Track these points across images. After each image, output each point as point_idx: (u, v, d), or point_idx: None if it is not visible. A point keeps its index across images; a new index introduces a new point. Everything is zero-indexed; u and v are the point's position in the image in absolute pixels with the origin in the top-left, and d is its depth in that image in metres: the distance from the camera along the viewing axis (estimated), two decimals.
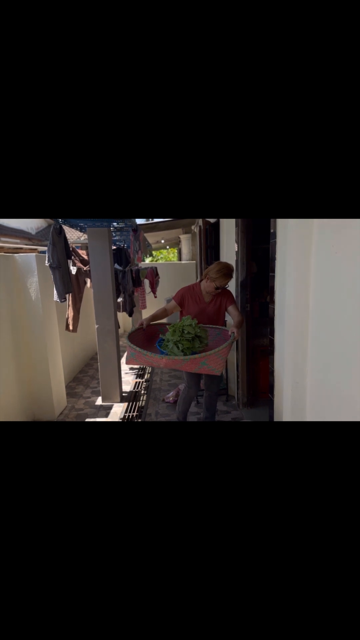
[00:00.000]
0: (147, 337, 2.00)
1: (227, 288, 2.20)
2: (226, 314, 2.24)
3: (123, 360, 4.12)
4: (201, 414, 2.83)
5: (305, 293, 1.40)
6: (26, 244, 9.39)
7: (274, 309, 1.85)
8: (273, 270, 1.82)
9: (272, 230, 1.80)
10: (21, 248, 4.51)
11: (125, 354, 1.64)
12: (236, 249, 2.79)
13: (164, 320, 2.21)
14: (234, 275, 2.86)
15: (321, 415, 1.37)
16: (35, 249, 4.67)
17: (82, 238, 7.59)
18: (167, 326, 2.04)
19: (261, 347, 2.94)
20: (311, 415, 1.46)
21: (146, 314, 5.18)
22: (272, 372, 1.92)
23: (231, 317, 2.11)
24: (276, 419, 1.87)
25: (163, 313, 2.13)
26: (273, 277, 1.82)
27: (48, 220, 11.71)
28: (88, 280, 3.26)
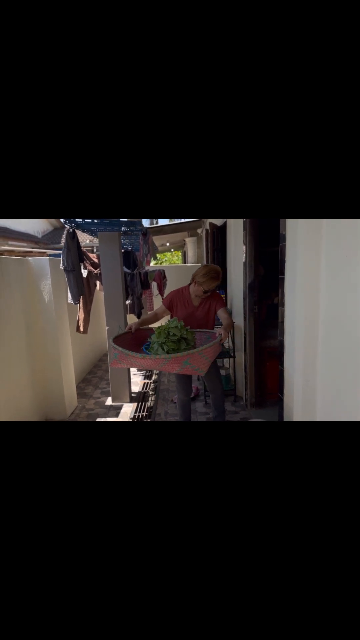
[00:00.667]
0: (136, 341, 1.94)
1: (217, 291, 2.20)
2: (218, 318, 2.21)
3: None
4: (210, 413, 2.87)
5: (315, 294, 1.44)
6: (32, 247, 9.52)
7: (284, 310, 1.89)
8: (283, 273, 1.87)
9: (282, 233, 1.84)
10: (31, 252, 4.59)
11: (109, 356, 1.57)
12: (244, 252, 2.84)
13: (154, 325, 2.15)
14: (242, 278, 2.91)
15: (331, 415, 1.41)
16: (44, 253, 4.76)
17: (88, 241, 7.67)
18: (154, 329, 1.98)
19: (269, 349, 2.98)
20: (321, 415, 1.50)
21: None
22: (281, 372, 1.96)
23: (221, 320, 2.05)
24: (286, 418, 1.91)
25: (153, 317, 2.10)
26: (283, 279, 1.87)
27: (54, 223, 11.85)
28: (98, 283, 3.33)
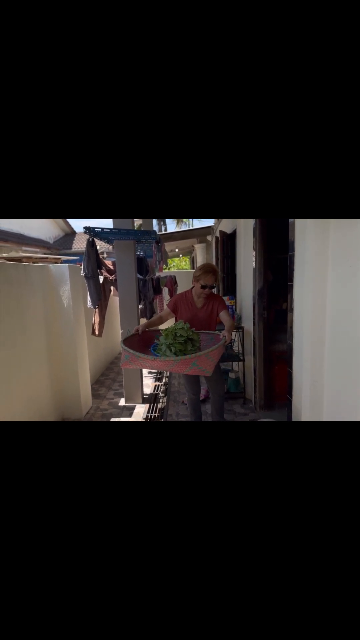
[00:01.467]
0: (143, 342, 2.04)
1: (216, 292, 2.30)
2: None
3: None
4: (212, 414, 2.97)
5: (322, 300, 1.55)
6: (45, 253, 9.78)
7: (292, 316, 2.00)
8: (292, 280, 1.98)
9: (291, 240, 1.95)
10: (47, 257, 4.77)
11: (121, 357, 1.74)
12: (254, 259, 2.95)
13: (161, 327, 2.24)
14: (252, 284, 3.02)
15: (337, 415, 1.50)
16: (59, 258, 4.93)
17: (98, 246, 7.88)
18: (161, 331, 2.05)
19: (277, 353, 3.07)
20: (328, 414, 1.60)
21: None
22: (290, 375, 2.06)
23: (223, 322, 2.12)
24: (294, 418, 2.00)
25: (158, 320, 2.21)
26: (292, 286, 1.98)
27: (65, 229, 12.14)
28: (112, 288, 3.47)
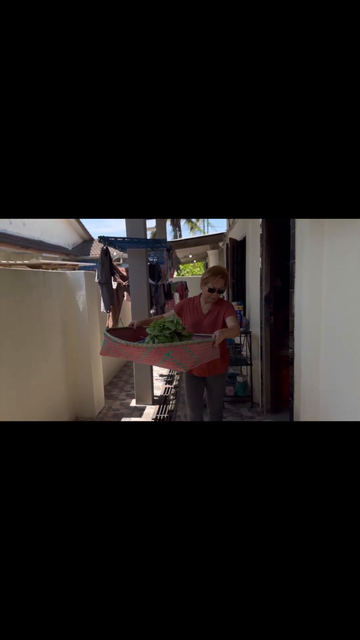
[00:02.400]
0: (135, 339, 1.87)
1: (235, 302, 2.21)
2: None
3: (156, 367, 4.43)
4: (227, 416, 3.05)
5: (317, 306, 1.64)
6: (64, 259, 10.16)
7: (293, 321, 2.08)
8: (293, 287, 2.07)
9: (292, 249, 2.05)
10: (65, 264, 5.02)
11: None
12: (260, 266, 3.04)
13: None
14: (259, 290, 3.11)
15: (332, 415, 1.58)
16: (77, 265, 5.18)
17: (115, 253, 8.14)
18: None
19: (285, 358, 3.14)
20: (323, 414, 1.67)
21: None
22: (292, 377, 2.14)
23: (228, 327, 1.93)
24: (295, 418, 2.07)
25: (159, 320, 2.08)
26: (293, 292, 2.07)
27: (83, 236, 12.57)
28: (125, 294, 3.64)
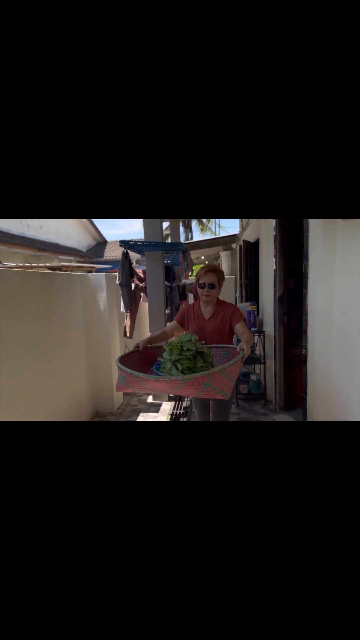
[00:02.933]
0: (144, 361, 1.70)
1: (230, 300, 2.09)
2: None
3: None
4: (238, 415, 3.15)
5: (329, 306, 1.73)
6: (79, 261, 10.42)
7: (307, 321, 2.18)
8: (306, 287, 2.16)
9: (305, 250, 2.14)
10: (82, 266, 5.22)
11: (117, 380, 1.42)
12: (274, 267, 3.13)
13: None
14: (273, 290, 3.20)
15: (344, 411, 1.66)
16: (93, 267, 5.37)
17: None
18: (164, 346, 1.67)
19: (298, 357, 3.22)
20: (335, 413, 1.76)
21: None
22: (305, 375, 2.23)
23: (239, 336, 1.75)
24: (308, 414, 2.17)
25: (162, 335, 1.84)
26: (306, 293, 2.16)
27: (97, 238, 12.84)
28: (142, 295, 3.78)
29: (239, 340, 1.68)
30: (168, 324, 2.01)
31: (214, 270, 1.80)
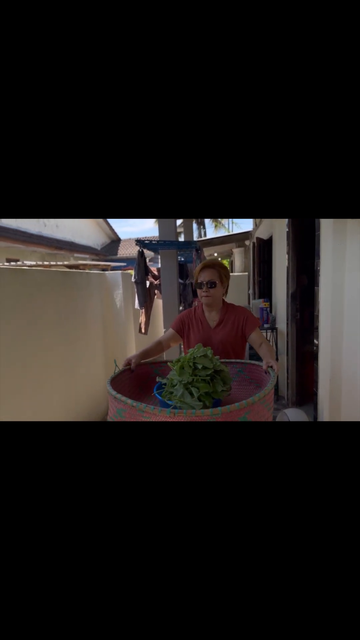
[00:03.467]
0: (137, 381, 1.37)
1: (240, 302, 1.73)
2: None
3: None
4: None
5: (340, 303, 1.78)
6: (93, 259, 10.64)
7: (318, 317, 2.22)
8: (318, 284, 2.20)
9: (317, 248, 2.18)
10: (98, 264, 5.36)
11: (108, 411, 1.13)
12: (287, 264, 3.17)
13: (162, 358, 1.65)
14: (285, 287, 3.24)
15: (353, 409, 1.72)
16: (109, 265, 5.51)
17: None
18: (167, 364, 1.36)
19: (310, 353, 3.25)
20: (345, 408, 1.81)
21: None
22: (316, 370, 2.28)
23: (255, 348, 1.41)
24: (319, 409, 2.22)
25: (157, 347, 1.47)
26: (317, 290, 2.20)
27: (110, 236, 13.05)
28: (157, 292, 3.89)
29: (252, 354, 1.37)
30: (164, 331, 1.49)
31: (213, 265, 1.46)
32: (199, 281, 1.45)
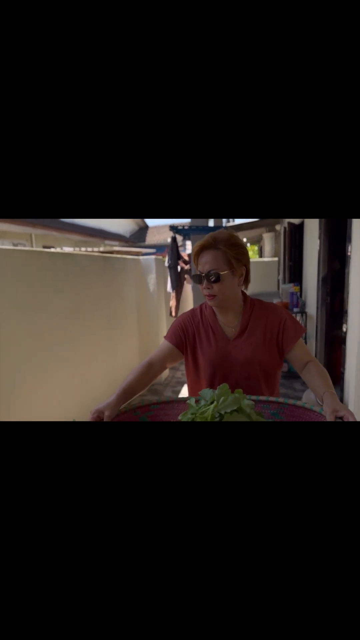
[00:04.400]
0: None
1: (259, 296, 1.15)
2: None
3: None
4: None
5: None
6: (122, 245, 10.91)
7: (347, 300, 2.27)
8: (348, 267, 2.24)
9: (348, 232, 2.21)
10: (130, 251, 5.58)
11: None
12: (318, 248, 3.18)
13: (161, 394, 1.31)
14: (316, 272, 3.25)
15: None
16: (140, 252, 5.71)
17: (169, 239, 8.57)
18: (159, 404, 0.95)
19: (339, 337, 3.27)
20: None
21: None
22: (344, 351, 2.34)
23: (296, 369, 0.95)
24: (345, 388, 2.29)
25: (146, 375, 0.99)
26: (348, 273, 2.24)
27: (139, 224, 13.23)
28: (187, 276, 4.03)
29: (291, 374, 1.01)
30: (160, 347, 1.05)
31: (215, 244, 0.90)
32: (198, 262, 0.93)
